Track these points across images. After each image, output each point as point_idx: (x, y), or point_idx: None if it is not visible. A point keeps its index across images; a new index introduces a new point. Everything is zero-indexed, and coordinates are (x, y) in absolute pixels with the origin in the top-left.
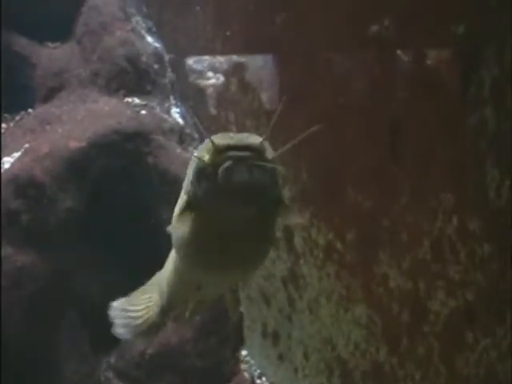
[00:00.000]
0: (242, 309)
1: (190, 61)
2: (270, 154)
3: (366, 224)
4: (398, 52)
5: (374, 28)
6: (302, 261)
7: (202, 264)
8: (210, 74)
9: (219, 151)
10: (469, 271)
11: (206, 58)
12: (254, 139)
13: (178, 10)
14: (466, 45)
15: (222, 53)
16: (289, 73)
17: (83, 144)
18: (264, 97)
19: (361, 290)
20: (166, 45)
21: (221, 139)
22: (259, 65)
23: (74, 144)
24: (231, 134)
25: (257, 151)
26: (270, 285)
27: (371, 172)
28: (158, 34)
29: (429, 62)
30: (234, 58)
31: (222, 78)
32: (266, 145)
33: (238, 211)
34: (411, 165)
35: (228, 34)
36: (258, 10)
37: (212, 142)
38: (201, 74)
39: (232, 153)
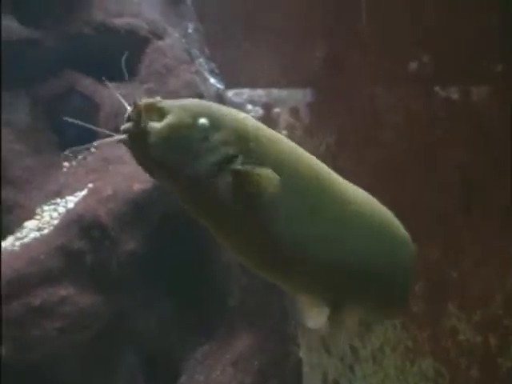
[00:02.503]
0: (301, 354)
1: (253, 102)
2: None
3: (434, 275)
4: (458, 97)
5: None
6: None
7: None
8: (271, 114)
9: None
10: None
11: (269, 99)
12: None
13: (241, 52)
14: None
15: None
16: (347, 112)
17: (147, 186)
18: (330, 140)
19: (428, 343)
20: (228, 86)
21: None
22: (323, 106)
23: (137, 186)
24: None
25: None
26: (331, 332)
27: (440, 222)
28: (221, 76)
29: (491, 109)
30: (296, 98)
31: (283, 119)
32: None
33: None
34: (483, 217)
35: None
36: (322, 56)
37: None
38: (262, 117)
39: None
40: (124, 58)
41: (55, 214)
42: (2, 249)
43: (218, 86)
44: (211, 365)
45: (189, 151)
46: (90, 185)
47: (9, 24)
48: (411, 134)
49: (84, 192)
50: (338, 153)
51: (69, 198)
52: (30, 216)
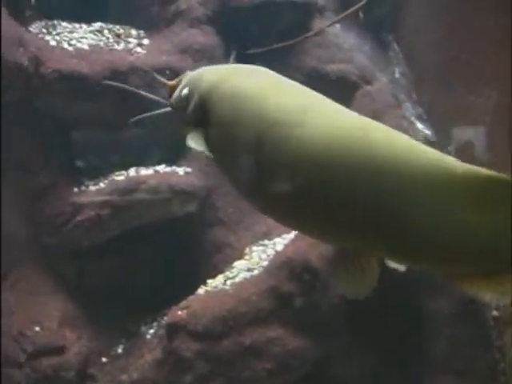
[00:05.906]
0: None
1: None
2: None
3: None
4: None
5: None
6: None
7: None
8: None
9: None
10: None
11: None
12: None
13: (452, 99)
14: None
15: (502, 145)
16: None
17: None
18: None
19: None
20: (436, 133)
21: None
22: None
23: None
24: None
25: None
26: None
27: None
28: (429, 122)
29: None
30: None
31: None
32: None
33: None
34: None
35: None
36: None
37: None
38: None
39: None
40: None
41: (264, 256)
42: (213, 287)
43: (426, 131)
44: None
45: (180, 121)
46: None
47: None
48: None
49: (292, 235)
50: None
51: (277, 239)
52: (240, 256)
